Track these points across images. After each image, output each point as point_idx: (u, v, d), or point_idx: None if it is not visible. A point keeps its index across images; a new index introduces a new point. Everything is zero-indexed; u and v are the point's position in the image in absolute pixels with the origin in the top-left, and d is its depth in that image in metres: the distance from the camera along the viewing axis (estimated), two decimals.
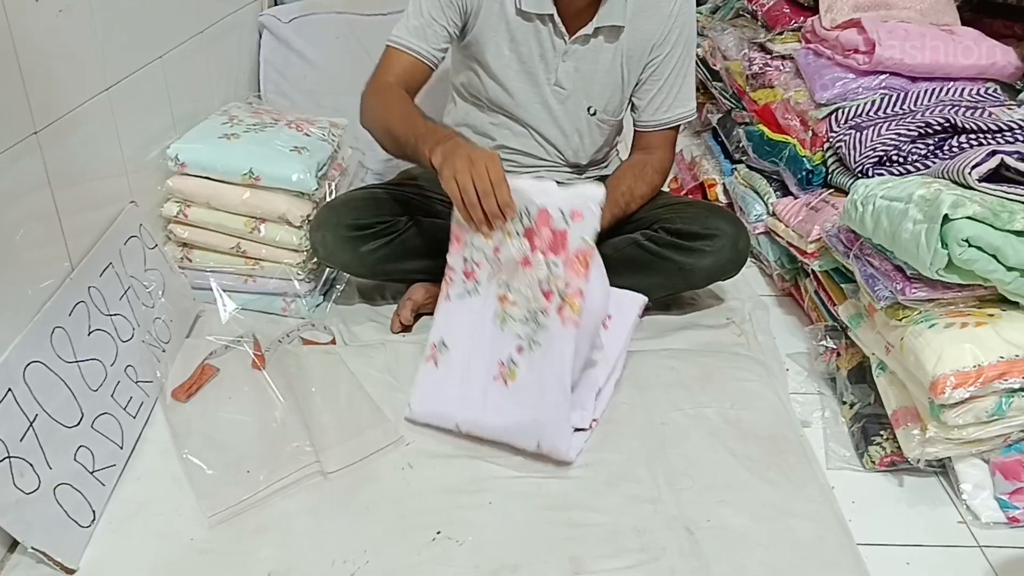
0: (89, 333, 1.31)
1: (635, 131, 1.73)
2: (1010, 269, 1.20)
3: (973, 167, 1.27)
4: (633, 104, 1.70)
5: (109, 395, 1.31)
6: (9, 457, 1.08)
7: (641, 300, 1.53)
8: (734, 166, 2.13)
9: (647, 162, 1.69)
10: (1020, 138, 1.49)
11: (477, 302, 1.36)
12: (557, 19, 1.54)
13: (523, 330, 1.31)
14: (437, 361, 1.39)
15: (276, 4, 2.34)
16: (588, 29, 1.55)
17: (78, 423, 1.22)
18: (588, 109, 1.65)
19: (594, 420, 1.39)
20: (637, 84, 1.66)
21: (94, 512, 1.19)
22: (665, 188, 2.23)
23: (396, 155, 1.51)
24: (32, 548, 1.09)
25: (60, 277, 1.30)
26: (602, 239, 1.62)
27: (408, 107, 1.48)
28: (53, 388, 1.20)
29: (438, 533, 1.20)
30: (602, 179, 1.81)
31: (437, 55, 1.57)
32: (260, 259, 1.67)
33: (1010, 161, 1.26)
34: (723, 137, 2.23)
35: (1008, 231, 1.19)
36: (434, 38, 1.55)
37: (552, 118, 1.65)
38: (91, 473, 1.21)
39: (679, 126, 1.71)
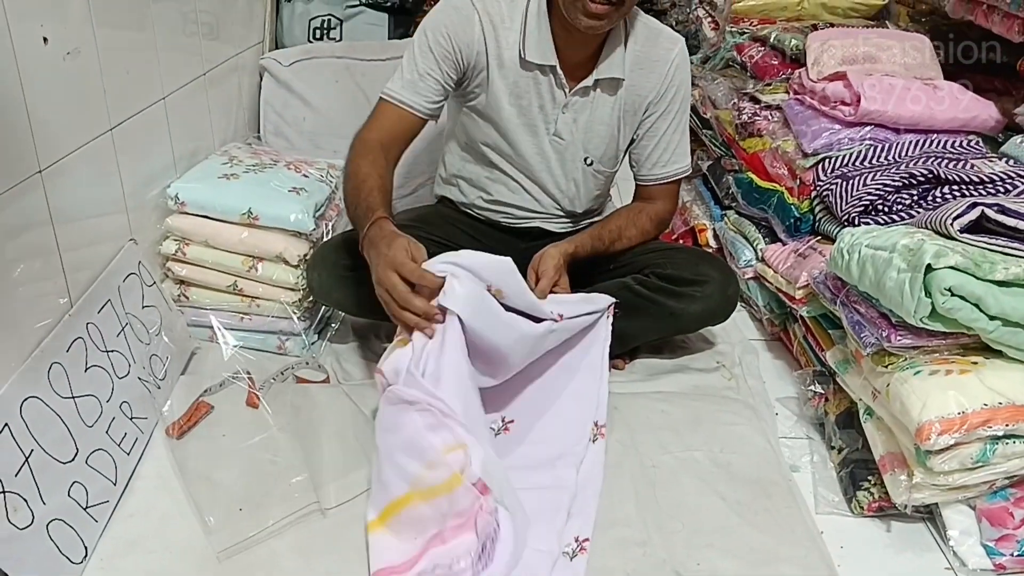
0: (86, 369, 1.32)
1: (636, 185, 1.76)
2: (992, 318, 1.23)
3: (955, 218, 1.30)
4: (631, 159, 1.73)
5: (104, 431, 1.31)
6: (4, 492, 1.09)
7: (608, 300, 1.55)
8: (724, 212, 2.16)
9: (644, 209, 1.73)
10: (1001, 190, 1.53)
11: None
12: (559, 71, 1.57)
13: None
14: None
15: (277, 47, 2.39)
16: (588, 81, 1.58)
17: (73, 459, 1.23)
18: (585, 160, 1.68)
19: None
20: (633, 140, 1.69)
21: (86, 548, 1.19)
22: None
23: None
24: None
25: (59, 313, 1.32)
26: (592, 280, 1.65)
27: (366, 175, 1.48)
28: (49, 424, 1.20)
29: None
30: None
31: (430, 108, 1.57)
32: (257, 297, 1.69)
33: (990, 213, 1.29)
34: (713, 183, 2.27)
35: (990, 281, 1.22)
36: (427, 91, 1.55)
37: (549, 168, 1.68)
38: (84, 509, 1.21)
39: (680, 180, 1.75)
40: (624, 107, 1.64)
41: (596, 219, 1.82)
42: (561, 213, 1.76)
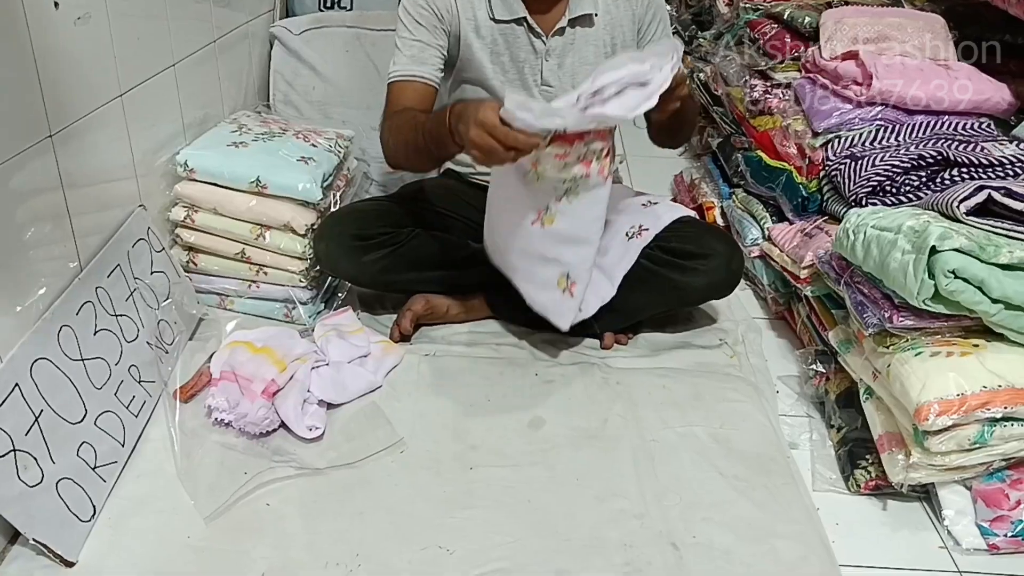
0: (95, 332, 1.34)
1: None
2: (995, 301, 1.24)
3: (961, 201, 1.31)
4: None
5: (113, 393, 1.33)
6: (14, 450, 1.11)
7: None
8: (732, 190, 2.16)
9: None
10: (1010, 173, 1.53)
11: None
12: (531, 20, 1.60)
13: (560, 185, 1.38)
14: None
15: (288, 16, 2.38)
16: (563, 22, 1.61)
17: (82, 420, 1.25)
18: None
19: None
20: None
21: (94, 507, 1.22)
22: None
23: (431, 165, 1.61)
24: (33, 540, 1.12)
25: (69, 277, 1.33)
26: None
27: (411, 116, 1.51)
28: (58, 385, 1.22)
29: (429, 541, 1.22)
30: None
31: (437, 76, 1.61)
32: (264, 265, 1.70)
33: (997, 196, 1.29)
34: (722, 161, 2.27)
35: (993, 264, 1.23)
36: (431, 60, 1.60)
37: None
38: (93, 469, 1.24)
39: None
40: (611, 41, 1.66)
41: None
42: None
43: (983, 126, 1.75)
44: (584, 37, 1.64)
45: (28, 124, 1.23)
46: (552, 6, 1.60)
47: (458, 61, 1.65)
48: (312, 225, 1.68)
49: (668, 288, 1.64)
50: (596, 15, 1.62)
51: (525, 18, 1.60)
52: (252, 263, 1.70)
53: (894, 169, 1.61)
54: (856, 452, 1.39)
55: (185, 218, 1.68)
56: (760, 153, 2.00)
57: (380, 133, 1.60)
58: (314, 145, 1.81)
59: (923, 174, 1.61)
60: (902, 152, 1.65)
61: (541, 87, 1.66)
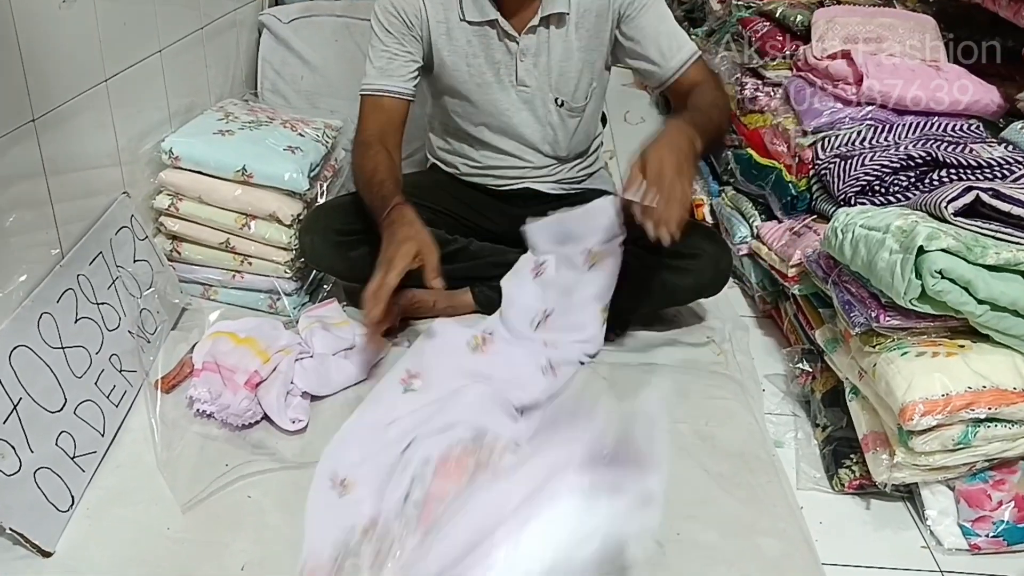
0: (76, 321, 1.32)
1: (671, 89, 1.68)
2: (981, 302, 1.24)
3: (949, 201, 1.31)
4: (644, 72, 1.68)
5: (93, 383, 1.32)
6: None
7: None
8: (722, 188, 2.16)
9: (698, 89, 1.63)
10: (998, 175, 1.53)
11: None
12: (502, 22, 1.59)
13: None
14: None
15: (277, 4, 2.36)
16: (534, 20, 1.60)
17: (61, 408, 1.23)
18: (556, 100, 1.69)
19: None
20: (628, 52, 1.66)
21: (73, 497, 1.20)
22: None
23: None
24: (10, 529, 1.11)
25: (50, 264, 1.32)
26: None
27: (373, 169, 1.54)
28: (38, 373, 1.21)
29: None
30: (592, 175, 1.86)
31: (409, 87, 1.62)
32: (249, 255, 1.69)
33: (985, 197, 1.29)
34: (712, 159, 2.27)
35: (980, 265, 1.23)
36: (401, 71, 1.60)
37: (522, 119, 1.69)
38: (72, 459, 1.22)
39: (701, 60, 1.66)
40: (587, 34, 1.63)
41: (586, 161, 1.82)
42: (548, 163, 1.77)
43: (972, 127, 1.75)
44: (558, 35, 1.62)
45: (10, 108, 1.21)
46: (524, 7, 1.59)
47: (434, 67, 1.65)
48: (298, 215, 1.67)
49: (656, 287, 1.63)
50: (568, 14, 1.60)
51: (496, 20, 1.59)
52: (236, 253, 1.69)
53: (883, 169, 1.61)
54: (841, 451, 1.39)
55: (169, 206, 1.66)
56: (750, 151, 2.00)
57: (352, 150, 1.63)
58: (301, 135, 1.79)
59: (912, 174, 1.61)
60: (891, 152, 1.65)
61: (518, 87, 1.66)
